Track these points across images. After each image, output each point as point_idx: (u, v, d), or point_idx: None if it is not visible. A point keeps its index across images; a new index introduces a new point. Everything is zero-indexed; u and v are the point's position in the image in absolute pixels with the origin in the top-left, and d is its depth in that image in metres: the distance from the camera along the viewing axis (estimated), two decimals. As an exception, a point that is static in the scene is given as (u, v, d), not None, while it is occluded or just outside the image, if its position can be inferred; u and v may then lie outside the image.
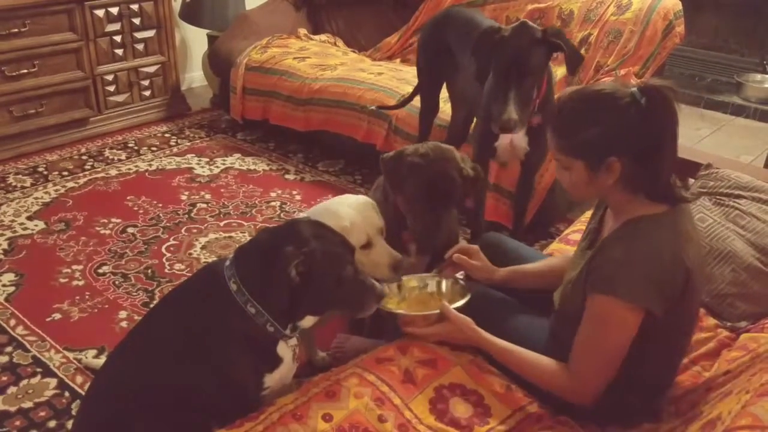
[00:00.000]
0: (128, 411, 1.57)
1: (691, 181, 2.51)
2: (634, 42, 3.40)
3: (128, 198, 3.43)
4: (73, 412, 2.08)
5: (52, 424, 2.06)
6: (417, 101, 3.33)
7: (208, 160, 3.89)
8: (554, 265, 1.92)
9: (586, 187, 1.58)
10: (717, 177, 2.37)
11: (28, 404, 2.13)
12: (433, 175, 2.03)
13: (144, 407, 1.56)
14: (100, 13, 3.92)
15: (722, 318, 2.01)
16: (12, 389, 2.19)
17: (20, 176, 3.62)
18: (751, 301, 2.02)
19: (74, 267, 2.84)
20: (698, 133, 4.62)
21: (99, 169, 3.73)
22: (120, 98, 4.19)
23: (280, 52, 4.10)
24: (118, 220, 3.21)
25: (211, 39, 4.53)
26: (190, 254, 2.95)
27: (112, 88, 4.13)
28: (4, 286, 2.71)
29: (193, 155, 3.94)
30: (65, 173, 3.67)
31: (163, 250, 2.98)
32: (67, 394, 2.18)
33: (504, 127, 2.34)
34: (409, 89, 3.50)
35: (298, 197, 3.49)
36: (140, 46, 4.19)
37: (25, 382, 2.23)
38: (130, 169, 3.76)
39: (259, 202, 3.42)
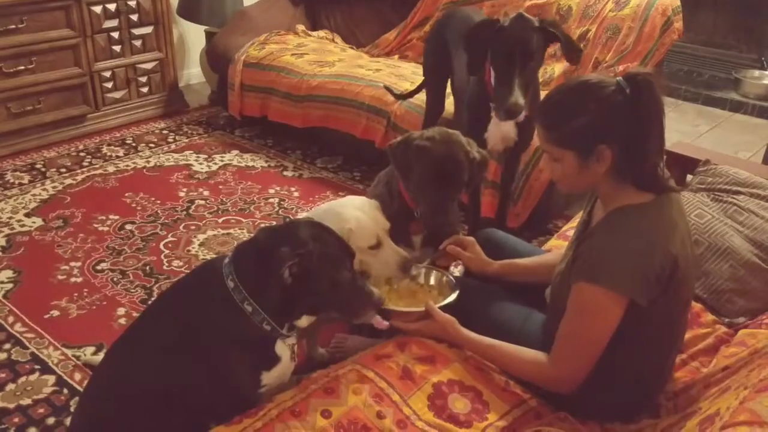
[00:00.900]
0: (126, 408, 1.57)
1: (689, 177, 2.52)
2: (633, 38, 3.40)
3: (126, 195, 3.42)
4: (72, 409, 2.08)
5: (50, 421, 2.06)
6: (418, 99, 3.34)
7: (206, 156, 3.88)
8: (548, 261, 1.93)
9: (577, 177, 1.59)
10: (715, 173, 2.37)
11: (26, 401, 2.13)
12: (440, 158, 2.04)
13: (141, 404, 1.56)
14: (98, 9, 3.91)
15: (720, 314, 2.01)
16: (10, 386, 2.19)
17: (18, 173, 3.61)
18: (750, 297, 2.02)
19: (72, 264, 2.84)
20: (696, 130, 4.62)
21: (97, 166, 3.73)
22: (118, 95, 4.18)
23: (278, 49, 4.10)
24: (116, 217, 3.21)
25: (209, 35, 4.52)
26: (188, 251, 2.95)
27: (109, 85, 4.12)
28: (2, 283, 2.70)
29: (191, 152, 3.94)
30: (63, 170, 3.67)
31: (161, 246, 2.98)
32: (65, 391, 2.18)
33: (511, 111, 2.37)
34: (407, 86, 3.50)
35: (296, 194, 3.49)
36: (138, 43, 4.18)
37: (23, 379, 2.23)
38: (128, 165, 3.75)
39: (258, 199, 3.42)
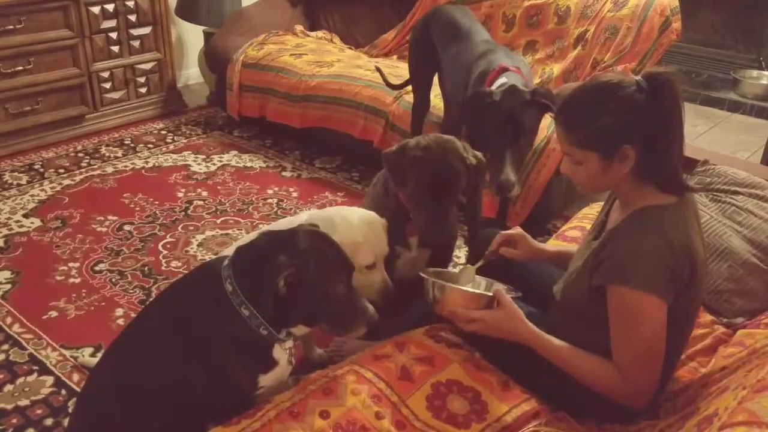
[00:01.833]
0: (124, 409, 1.57)
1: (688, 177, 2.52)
2: (631, 38, 3.40)
3: (125, 195, 3.42)
4: (70, 410, 2.07)
5: (48, 422, 2.06)
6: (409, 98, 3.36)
7: (204, 157, 3.88)
8: None
9: (600, 178, 1.57)
10: (714, 173, 2.38)
11: (24, 402, 2.13)
12: (436, 168, 2.02)
13: (139, 405, 1.56)
14: (96, 9, 3.91)
15: (719, 314, 2.01)
16: (8, 387, 2.19)
17: (16, 173, 3.61)
18: (748, 297, 2.02)
19: (71, 264, 2.84)
20: (695, 130, 4.62)
21: (95, 167, 3.72)
22: (116, 95, 4.18)
23: (277, 49, 4.10)
24: (115, 218, 3.20)
25: (208, 36, 4.52)
26: (187, 251, 2.95)
27: (108, 85, 4.11)
28: (0, 283, 2.70)
29: (190, 152, 3.94)
30: (61, 170, 3.66)
31: (160, 247, 2.98)
32: (63, 392, 2.17)
33: (502, 188, 2.38)
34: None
35: (295, 194, 3.49)
36: (136, 43, 4.18)
37: (21, 380, 2.22)
38: (126, 166, 3.75)
39: (256, 199, 3.42)
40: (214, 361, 1.53)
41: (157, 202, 3.35)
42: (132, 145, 4.02)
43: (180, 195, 3.44)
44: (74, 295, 2.64)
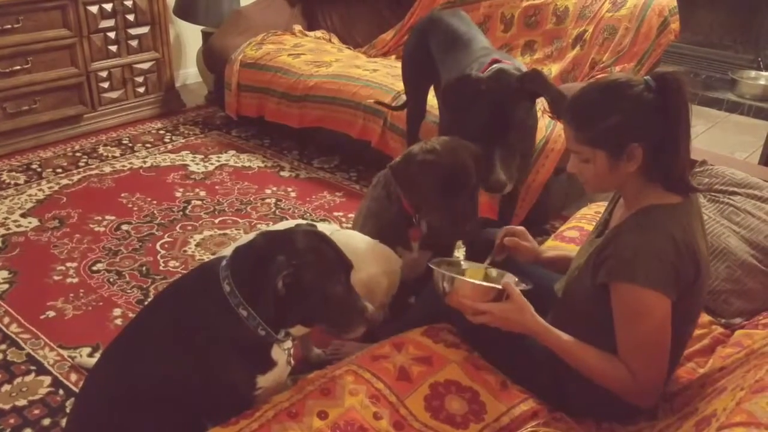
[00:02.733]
0: (121, 409, 1.57)
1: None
2: (629, 39, 3.40)
3: (122, 195, 3.41)
4: (68, 410, 2.07)
5: (46, 422, 2.06)
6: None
7: (202, 157, 3.88)
8: None
9: (607, 177, 1.58)
10: (712, 174, 2.38)
11: (22, 402, 2.12)
12: (447, 167, 1.98)
13: (137, 405, 1.56)
14: (94, 9, 3.90)
15: (717, 314, 2.01)
16: (6, 387, 2.18)
17: (14, 173, 3.60)
18: (746, 298, 2.02)
19: (68, 264, 2.83)
20: (693, 130, 4.55)
21: (93, 166, 3.72)
22: (114, 95, 4.18)
23: (275, 49, 4.09)
24: (113, 218, 3.20)
25: (206, 35, 4.51)
26: (185, 251, 2.95)
27: (106, 85, 4.11)
28: (-3, 283, 2.70)
29: (188, 152, 3.93)
30: (59, 170, 3.66)
31: (158, 247, 2.97)
32: (61, 392, 2.17)
33: (493, 189, 2.23)
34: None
35: (293, 194, 3.48)
36: (134, 43, 4.17)
37: (19, 380, 2.22)
38: (124, 166, 3.74)
39: (254, 199, 3.41)
40: (212, 362, 1.53)
41: (155, 202, 3.35)
42: (130, 144, 4.01)
43: (178, 195, 3.43)
44: (72, 294, 2.64)
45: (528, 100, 2.24)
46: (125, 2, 4.03)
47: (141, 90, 4.30)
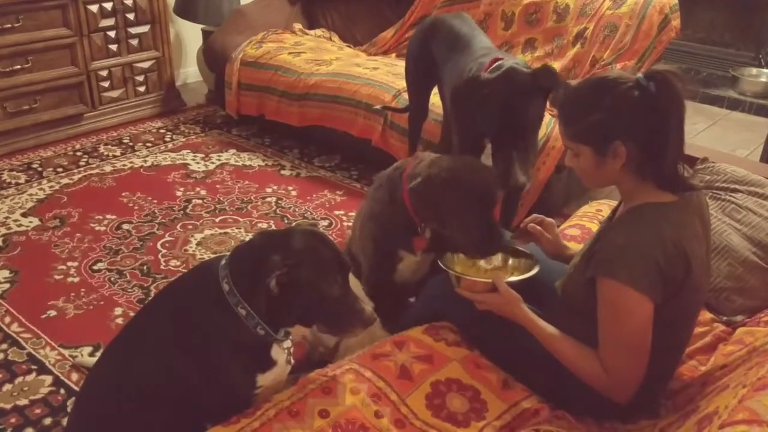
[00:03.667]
0: (121, 408, 1.57)
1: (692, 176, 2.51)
2: (630, 36, 3.39)
3: (123, 194, 3.41)
4: (69, 410, 2.07)
5: (47, 421, 2.06)
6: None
7: (203, 155, 3.88)
8: None
9: (595, 173, 1.59)
10: (713, 171, 2.37)
11: (23, 401, 2.13)
12: (473, 185, 1.94)
13: (138, 404, 1.56)
14: (94, 8, 3.90)
15: (718, 312, 2.01)
16: (7, 386, 2.18)
17: (14, 173, 3.60)
18: (748, 295, 2.02)
19: (69, 264, 2.83)
20: (694, 128, 4.62)
21: (94, 166, 3.72)
22: (114, 94, 4.17)
23: (275, 47, 4.09)
24: (113, 217, 3.20)
25: (206, 34, 4.51)
26: (186, 250, 2.95)
27: (106, 84, 4.11)
28: (-2, 283, 2.70)
29: (189, 151, 3.93)
30: (60, 169, 3.66)
31: (159, 246, 2.97)
32: (62, 391, 2.17)
33: (514, 191, 2.24)
34: (405, 84, 3.49)
35: (293, 193, 3.48)
36: (134, 42, 4.17)
37: (20, 379, 2.22)
38: (124, 165, 3.74)
39: (255, 198, 3.41)
40: (212, 361, 1.53)
41: (155, 201, 3.35)
42: (130, 143, 4.01)
43: (179, 194, 3.43)
44: (73, 294, 2.64)
45: (541, 97, 2.23)
46: (125, 1, 4.04)
47: (141, 89, 4.30)
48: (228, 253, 1.60)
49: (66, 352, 2.33)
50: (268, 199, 3.40)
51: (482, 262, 1.93)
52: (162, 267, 2.82)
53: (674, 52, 5.30)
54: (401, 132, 3.38)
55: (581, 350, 1.60)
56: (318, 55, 4.01)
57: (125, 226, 3.13)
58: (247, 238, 2.17)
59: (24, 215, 3.19)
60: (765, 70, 5.24)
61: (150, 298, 2.56)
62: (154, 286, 2.70)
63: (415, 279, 2.24)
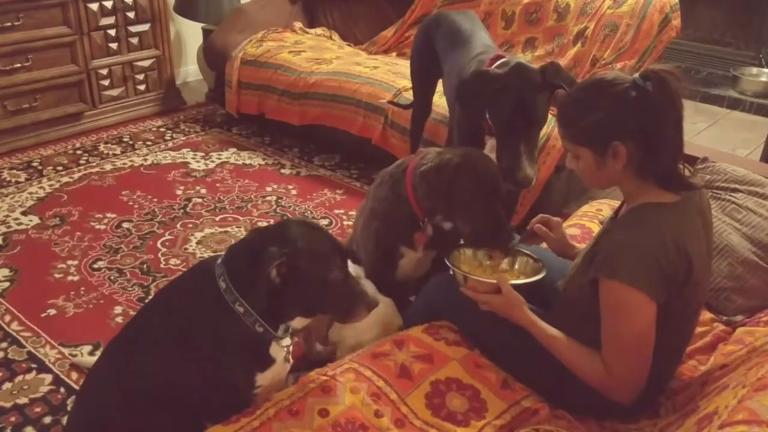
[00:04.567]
0: (121, 407, 1.57)
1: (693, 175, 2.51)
2: (631, 35, 3.39)
3: (123, 193, 3.41)
4: (69, 408, 2.07)
5: (47, 420, 2.06)
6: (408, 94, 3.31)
7: (203, 154, 3.87)
8: None
9: (596, 173, 1.59)
10: (713, 171, 2.37)
11: (23, 400, 2.12)
12: (485, 172, 1.96)
13: (137, 403, 1.56)
14: (94, 6, 3.90)
15: (718, 312, 2.01)
16: (7, 385, 2.18)
17: (14, 171, 3.60)
18: (748, 295, 2.02)
19: (69, 262, 2.83)
20: (694, 127, 4.62)
21: (94, 164, 3.72)
22: (115, 92, 4.17)
23: (276, 46, 4.09)
24: (113, 215, 3.20)
25: (206, 33, 4.51)
26: (186, 249, 2.94)
27: (106, 83, 4.11)
28: (-2, 281, 2.70)
29: (189, 150, 3.93)
30: (60, 168, 3.66)
31: (159, 245, 2.97)
32: (62, 390, 2.17)
33: (522, 185, 2.22)
34: (405, 83, 3.49)
35: (294, 192, 3.48)
36: (135, 40, 4.17)
37: (20, 378, 2.22)
38: (125, 163, 3.74)
39: (255, 197, 3.41)
40: (211, 360, 1.53)
41: (155, 200, 3.35)
42: (131, 142, 4.01)
43: (179, 192, 3.43)
44: (73, 292, 2.64)
45: (548, 93, 2.24)
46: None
47: (141, 87, 4.30)
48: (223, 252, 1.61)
49: (66, 351, 2.33)
50: (268, 198, 3.40)
51: (489, 263, 1.94)
52: (162, 266, 2.82)
53: (675, 51, 5.30)
54: (401, 131, 3.38)
55: (583, 352, 1.60)
56: (318, 54, 4.01)
57: (125, 225, 3.12)
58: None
59: (24, 214, 3.19)
60: (765, 70, 5.23)
61: (149, 298, 2.56)
62: (154, 284, 2.70)
63: (416, 276, 2.25)
